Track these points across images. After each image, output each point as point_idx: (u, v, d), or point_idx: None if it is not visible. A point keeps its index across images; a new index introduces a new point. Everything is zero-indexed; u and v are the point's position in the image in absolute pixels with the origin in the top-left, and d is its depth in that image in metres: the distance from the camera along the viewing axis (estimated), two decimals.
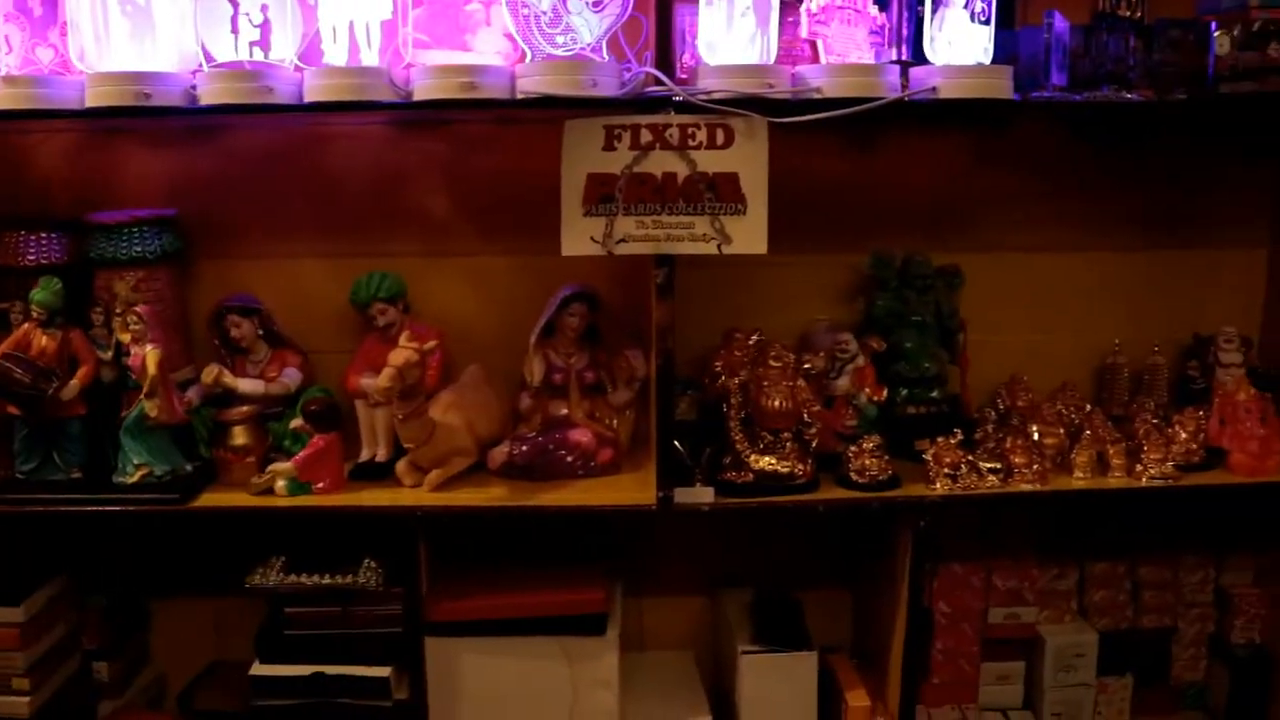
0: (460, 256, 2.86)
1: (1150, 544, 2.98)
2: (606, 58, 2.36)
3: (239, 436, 2.67)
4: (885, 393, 2.70)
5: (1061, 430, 2.71)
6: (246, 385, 2.70)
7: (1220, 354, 2.93)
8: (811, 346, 2.77)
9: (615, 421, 2.77)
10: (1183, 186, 2.96)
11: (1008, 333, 2.96)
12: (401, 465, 2.62)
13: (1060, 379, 2.93)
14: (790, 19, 2.43)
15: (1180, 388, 2.98)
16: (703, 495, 2.48)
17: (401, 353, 2.46)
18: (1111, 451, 2.65)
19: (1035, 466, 2.60)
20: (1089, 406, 2.84)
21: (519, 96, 2.32)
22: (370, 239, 2.85)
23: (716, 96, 2.29)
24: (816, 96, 2.32)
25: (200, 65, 2.42)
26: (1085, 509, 2.91)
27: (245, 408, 2.69)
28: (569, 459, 2.64)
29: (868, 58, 2.44)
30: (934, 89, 2.35)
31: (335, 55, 2.41)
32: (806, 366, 2.58)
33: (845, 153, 2.83)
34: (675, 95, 2.29)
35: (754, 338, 2.67)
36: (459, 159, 2.81)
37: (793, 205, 2.73)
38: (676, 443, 2.49)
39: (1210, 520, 3.00)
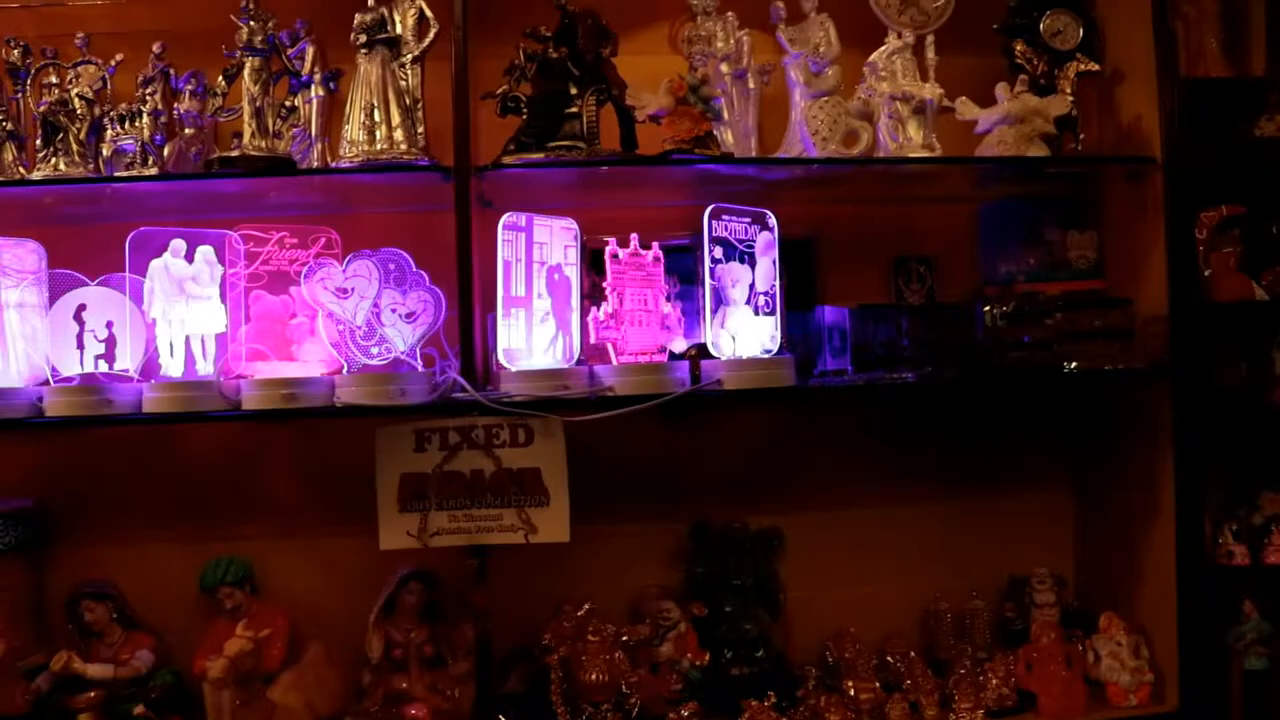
0: (307, 538, 3.01)
1: None
2: (420, 363, 2.59)
3: None
4: (707, 657, 2.84)
5: (877, 684, 2.84)
6: (95, 670, 2.79)
7: (1035, 595, 3.09)
8: (642, 612, 2.92)
9: (458, 692, 2.87)
10: (986, 437, 3.19)
11: (833, 587, 3.12)
12: None
13: (888, 628, 3.08)
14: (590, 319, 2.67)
15: (1000, 629, 3.13)
16: None
17: (235, 642, 2.59)
18: (925, 703, 2.78)
19: None
20: (912, 654, 2.97)
21: (337, 405, 2.52)
22: (222, 523, 3.00)
23: (515, 400, 2.49)
24: (610, 395, 2.53)
25: (48, 379, 2.61)
26: None
27: (93, 693, 2.77)
28: None
29: (662, 353, 2.67)
30: (719, 381, 2.58)
31: (172, 368, 2.61)
32: (624, 639, 2.72)
33: (666, 428, 3.03)
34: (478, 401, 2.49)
35: (584, 609, 2.79)
36: (305, 446, 3.00)
37: (621, 478, 2.96)
38: (502, 717, 2.61)
39: None
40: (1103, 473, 3.12)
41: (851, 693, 2.81)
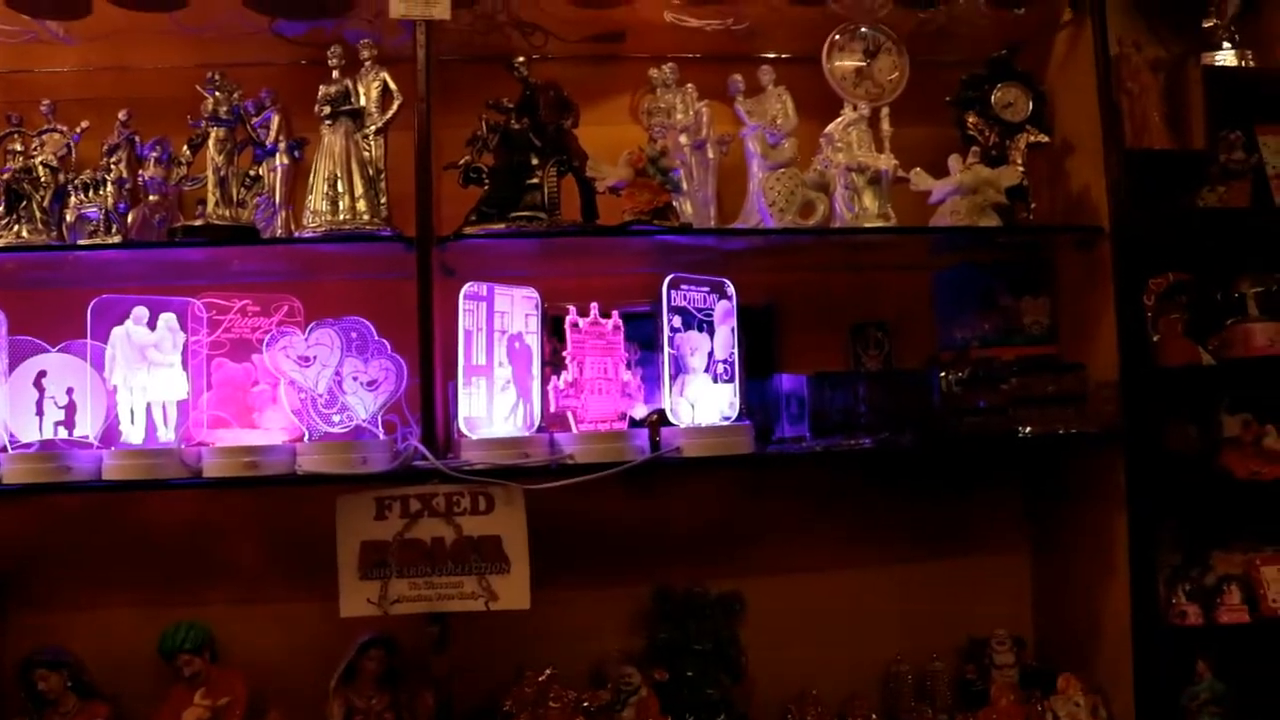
0: (267, 604, 3.00)
1: None
2: (381, 431, 2.60)
3: None
4: None
5: None
6: None
7: (995, 656, 3.11)
8: (604, 677, 2.92)
9: None
10: (943, 500, 3.23)
11: (794, 650, 3.12)
12: None
13: (849, 690, 3.09)
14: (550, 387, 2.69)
15: (961, 690, 3.15)
16: None
17: (194, 711, 2.60)
18: None
19: None
20: (873, 716, 2.99)
21: (299, 473, 2.53)
22: (183, 589, 2.98)
23: (476, 468, 2.51)
24: (570, 462, 2.55)
25: (5, 446, 2.60)
26: None
27: None
28: None
29: (622, 421, 2.70)
30: (678, 449, 2.61)
31: (133, 435, 2.61)
32: (586, 704, 2.72)
33: (627, 494, 3.04)
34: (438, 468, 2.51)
35: (545, 674, 2.80)
36: (266, 513, 3.00)
37: (582, 544, 2.97)
38: None
39: None
40: (1059, 535, 3.17)
41: None
